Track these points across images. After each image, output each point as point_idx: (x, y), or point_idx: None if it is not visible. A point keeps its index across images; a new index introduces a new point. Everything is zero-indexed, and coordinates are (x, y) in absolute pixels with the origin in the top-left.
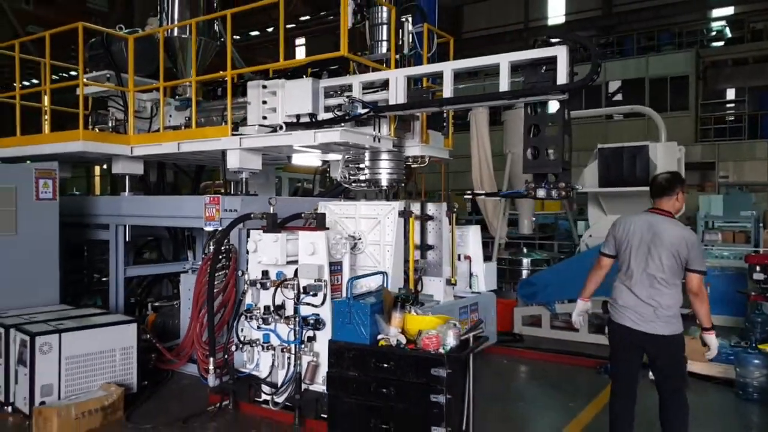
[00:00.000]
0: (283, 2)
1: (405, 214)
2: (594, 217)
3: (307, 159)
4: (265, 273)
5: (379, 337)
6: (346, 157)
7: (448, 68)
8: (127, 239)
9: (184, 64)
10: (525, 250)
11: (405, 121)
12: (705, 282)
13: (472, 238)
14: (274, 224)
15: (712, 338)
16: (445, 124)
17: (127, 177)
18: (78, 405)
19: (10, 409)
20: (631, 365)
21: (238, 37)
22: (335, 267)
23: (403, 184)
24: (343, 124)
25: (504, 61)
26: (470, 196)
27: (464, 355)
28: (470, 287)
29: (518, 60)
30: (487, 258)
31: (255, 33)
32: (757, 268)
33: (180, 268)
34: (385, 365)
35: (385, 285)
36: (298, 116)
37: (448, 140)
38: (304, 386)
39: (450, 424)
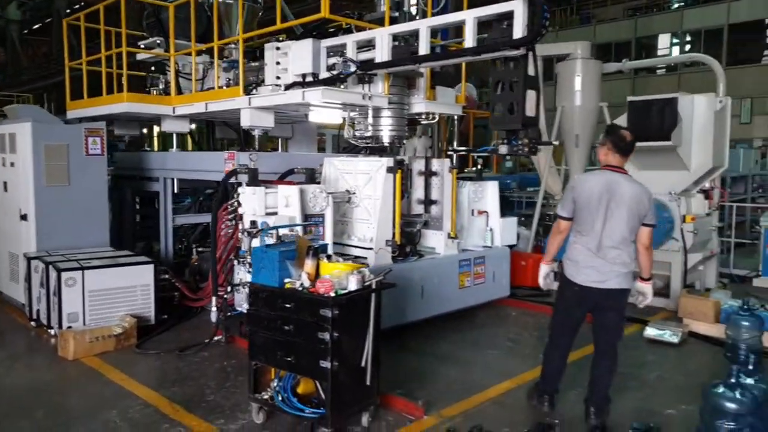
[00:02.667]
0: None
1: (393, 170)
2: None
3: (324, 116)
4: (253, 223)
5: (287, 280)
6: (351, 114)
7: (423, 26)
8: (175, 191)
9: (230, 28)
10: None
11: (411, 79)
12: None
13: (489, 193)
14: (254, 178)
15: (649, 287)
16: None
17: (174, 134)
18: (93, 331)
19: (52, 331)
20: (576, 320)
21: None
22: (315, 219)
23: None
24: (344, 83)
25: (469, 17)
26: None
27: (345, 298)
28: (485, 242)
29: (483, 15)
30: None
31: None
32: None
33: None
34: (288, 305)
35: (318, 234)
36: (303, 75)
37: (461, 96)
38: None
39: (338, 359)
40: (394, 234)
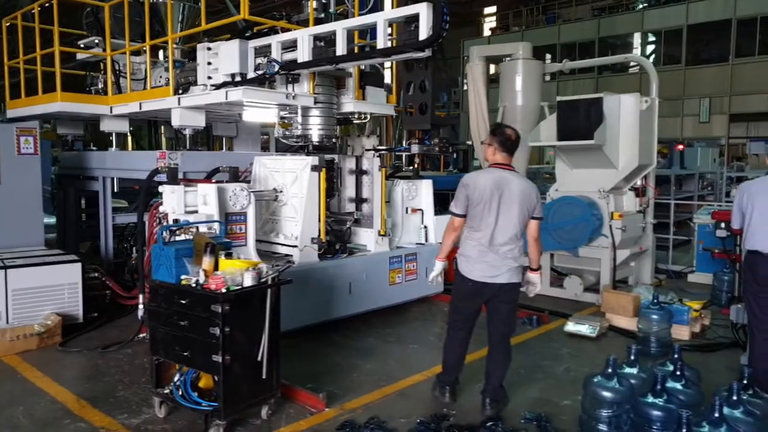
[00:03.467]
0: None
1: (318, 169)
2: (561, 172)
3: (258, 116)
4: (176, 221)
5: (183, 277)
6: (282, 114)
7: (339, 27)
8: (115, 190)
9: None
10: None
11: (340, 79)
12: None
13: (424, 192)
14: (173, 177)
15: (537, 277)
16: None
17: (113, 134)
18: (14, 329)
19: None
20: (471, 313)
21: None
22: (237, 217)
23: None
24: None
25: (380, 19)
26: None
27: (236, 294)
28: (419, 239)
29: (393, 18)
30: None
31: None
32: (722, 225)
33: None
34: (183, 301)
35: (219, 233)
36: (232, 75)
37: (392, 96)
38: None
39: (231, 354)
40: (320, 232)
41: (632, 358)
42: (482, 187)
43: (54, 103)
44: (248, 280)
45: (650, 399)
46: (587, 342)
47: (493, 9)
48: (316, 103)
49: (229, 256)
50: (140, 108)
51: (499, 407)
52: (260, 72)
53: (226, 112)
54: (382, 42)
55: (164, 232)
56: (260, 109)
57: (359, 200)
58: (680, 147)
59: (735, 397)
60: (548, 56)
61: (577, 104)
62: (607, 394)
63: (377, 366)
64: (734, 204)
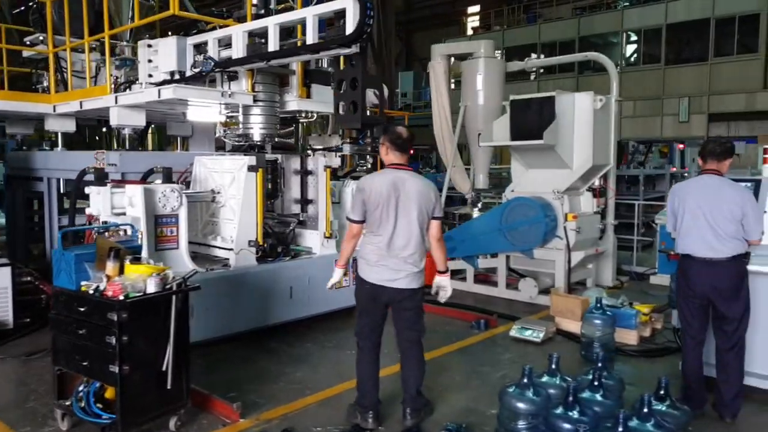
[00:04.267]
0: None
1: (255, 169)
2: (516, 172)
3: (201, 115)
4: (105, 223)
5: (83, 283)
6: (225, 112)
7: (271, 23)
8: (61, 191)
9: (121, 24)
10: (480, 206)
11: (284, 77)
12: None
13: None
14: (99, 178)
15: (446, 279)
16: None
17: (59, 133)
18: None
19: None
20: (375, 320)
21: None
22: (168, 219)
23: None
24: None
25: (309, 14)
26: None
27: (134, 302)
28: None
29: (322, 13)
30: None
31: None
32: None
33: None
34: (81, 309)
35: (135, 236)
36: (171, 73)
37: None
38: None
39: (130, 363)
40: (258, 234)
41: (553, 366)
42: (378, 190)
43: None
44: (151, 287)
45: (560, 411)
46: (532, 347)
47: (476, 8)
48: (256, 101)
49: (136, 260)
50: (81, 107)
51: (421, 417)
52: (196, 70)
53: (170, 111)
54: (311, 38)
55: (64, 236)
56: (203, 108)
57: (304, 201)
58: (681, 146)
59: (646, 410)
60: (533, 56)
61: (529, 103)
62: (521, 405)
63: (307, 373)
64: (667, 207)
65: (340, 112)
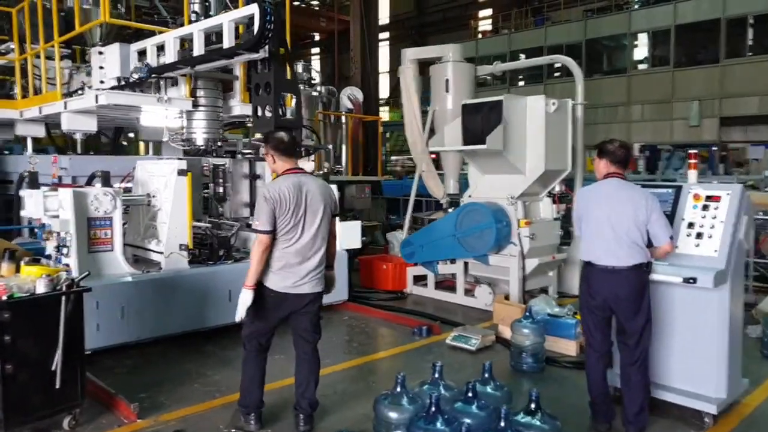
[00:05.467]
0: None
1: (184, 173)
2: (473, 177)
3: (153, 120)
4: (43, 226)
5: None
6: (175, 118)
7: (195, 29)
8: None
9: (90, 32)
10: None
11: (227, 82)
12: None
13: None
14: (33, 182)
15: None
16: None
17: (29, 138)
18: None
19: None
20: (270, 326)
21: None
22: (101, 222)
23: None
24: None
25: (226, 20)
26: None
27: (18, 302)
28: None
29: (236, 18)
30: None
31: None
32: None
33: None
34: None
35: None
36: (118, 79)
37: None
38: None
39: (15, 362)
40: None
41: (436, 375)
42: (286, 196)
43: None
44: (40, 288)
45: (421, 423)
46: (466, 356)
47: (489, 12)
48: (196, 106)
49: (36, 262)
50: (40, 112)
51: (312, 423)
52: (135, 76)
53: (124, 116)
54: (227, 42)
55: None
56: (155, 114)
57: (253, 205)
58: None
59: (503, 423)
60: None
61: (479, 107)
62: (393, 414)
63: (225, 376)
64: (573, 213)
65: (259, 116)
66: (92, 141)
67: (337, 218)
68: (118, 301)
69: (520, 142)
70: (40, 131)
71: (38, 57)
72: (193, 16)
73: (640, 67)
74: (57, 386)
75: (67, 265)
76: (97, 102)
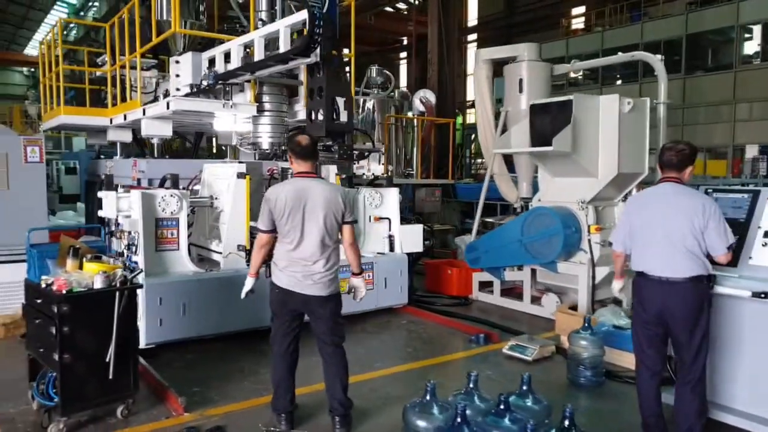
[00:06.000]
0: None
1: (243, 176)
2: (543, 181)
3: (226, 125)
4: (117, 224)
5: (43, 277)
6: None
7: (256, 36)
8: None
9: (174, 43)
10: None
11: (293, 88)
12: None
13: (390, 200)
14: (107, 184)
15: (359, 281)
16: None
17: (118, 143)
18: None
19: None
20: (287, 325)
21: None
22: (168, 222)
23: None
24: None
25: (282, 26)
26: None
27: (76, 296)
28: (383, 248)
29: (292, 24)
30: None
31: None
32: None
33: None
34: (38, 300)
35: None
36: (191, 86)
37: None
38: None
39: (72, 353)
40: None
41: (471, 386)
42: (283, 199)
43: (59, 116)
44: (97, 283)
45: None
46: (521, 366)
47: (581, 9)
48: (261, 111)
49: (97, 259)
50: (125, 119)
51: (349, 425)
52: (204, 83)
53: (199, 122)
54: (283, 48)
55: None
56: (226, 119)
57: None
58: None
59: None
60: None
61: (548, 108)
62: (420, 423)
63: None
64: (620, 218)
65: (314, 118)
66: (178, 145)
67: (352, 225)
68: (180, 298)
69: (592, 144)
70: (127, 136)
71: (131, 67)
72: (260, 24)
73: (750, 62)
74: (110, 377)
75: (136, 263)
76: (168, 108)
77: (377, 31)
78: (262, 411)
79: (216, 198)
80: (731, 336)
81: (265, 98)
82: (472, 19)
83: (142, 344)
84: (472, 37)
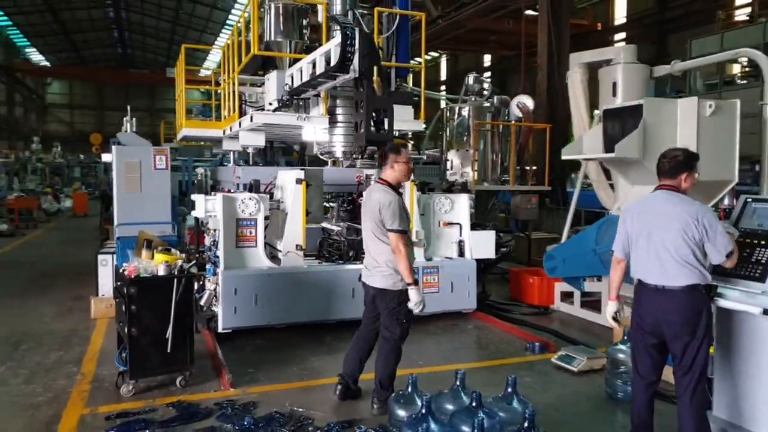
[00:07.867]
0: None
1: (299, 182)
2: (622, 188)
3: (312, 135)
4: (206, 223)
5: (124, 264)
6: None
7: (318, 54)
8: None
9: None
10: None
11: None
12: None
13: (460, 206)
14: (200, 188)
15: (412, 291)
16: (416, 98)
17: (232, 152)
18: (110, 299)
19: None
20: (366, 314)
21: None
22: (247, 222)
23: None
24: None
25: (332, 45)
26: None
27: (141, 280)
28: (452, 253)
29: (339, 43)
30: None
31: None
32: None
33: None
34: (119, 282)
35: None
36: (278, 101)
37: (420, 112)
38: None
39: (138, 328)
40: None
41: (457, 383)
42: (363, 202)
43: (182, 129)
44: (161, 271)
45: (411, 423)
46: (566, 376)
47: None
48: (333, 122)
49: (167, 251)
50: (230, 130)
51: (384, 408)
52: (282, 98)
53: (289, 132)
54: (322, 66)
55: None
56: (309, 130)
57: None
58: None
59: None
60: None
61: (619, 112)
62: (400, 412)
63: (324, 363)
64: (619, 225)
65: (362, 129)
66: (285, 154)
67: (398, 233)
68: (252, 289)
69: (662, 150)
70: (236, 145)
71: (254, 85)
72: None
73: None
74: (169, 351)
75: (218, 257)
76: (252, 122)
77: (516, 36)
78: (294, 393)
79: (282, 201)
80: (746, 353)
81: (339, 110)
82: (620, 17)
83: (219, 329)
84: (620, 36)
